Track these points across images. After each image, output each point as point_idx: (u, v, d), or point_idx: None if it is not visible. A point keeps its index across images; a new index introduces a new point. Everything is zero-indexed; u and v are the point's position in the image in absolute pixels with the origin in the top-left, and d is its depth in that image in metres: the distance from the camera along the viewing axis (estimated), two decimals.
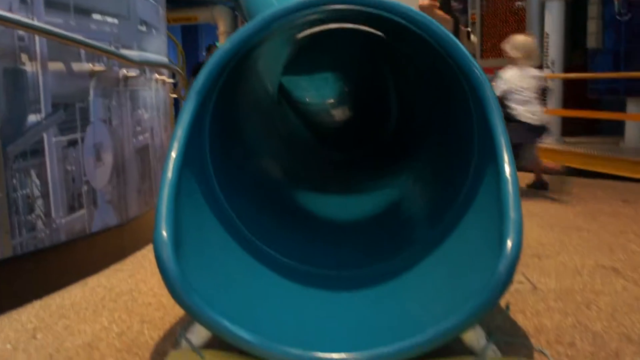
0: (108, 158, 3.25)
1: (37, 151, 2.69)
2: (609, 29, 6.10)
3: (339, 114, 5.24)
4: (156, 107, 4.16)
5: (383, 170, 3.57)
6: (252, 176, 2.81)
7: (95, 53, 3.07)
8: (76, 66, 2.97)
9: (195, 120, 2.08)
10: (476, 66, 2.02)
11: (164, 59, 4.42)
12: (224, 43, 2.14)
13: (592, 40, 6.19)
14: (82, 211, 3.00)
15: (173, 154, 1.96)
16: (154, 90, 4.11)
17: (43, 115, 2.71)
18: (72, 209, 2.92)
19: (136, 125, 3.68)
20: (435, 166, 2.82)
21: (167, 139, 4.54)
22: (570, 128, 6.93)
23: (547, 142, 6.58)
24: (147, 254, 3.50)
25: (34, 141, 2.67)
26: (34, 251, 2.69)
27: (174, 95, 5.82)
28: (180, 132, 2.03)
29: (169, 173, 1.91)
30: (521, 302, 2.50)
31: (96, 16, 3.16)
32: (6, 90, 2.53)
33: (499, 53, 7.67)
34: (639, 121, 5.86)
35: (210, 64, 2.11)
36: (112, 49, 3.22)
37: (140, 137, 3.76)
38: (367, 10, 2.19)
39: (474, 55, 8.28)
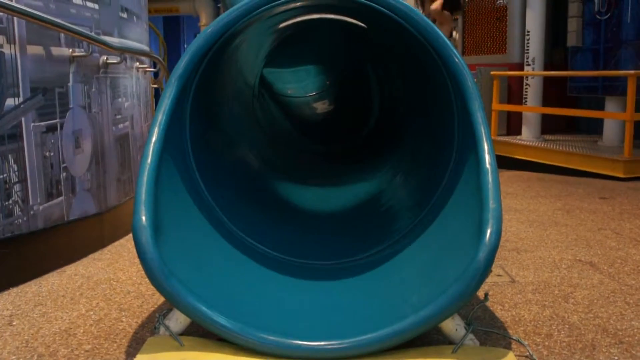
0: (87, 145, 3.21)
1: (14, 136, 2.65)
2: (588, 27, 6.16)
3: (321, 106, 5.24)
4: (137, 96, 4.12)
5: (364, 163, 3.57)
6: (231, 165, 2.80)
7: (75, 38, 3.03)
8: (56, 50, 2.92)
9: (175, 106, 2.06)
10: (456, 54, 2.02)
11: (145, 47, 4.37)
12: (206, 28, 2.12)
13: (572, 39, 6.25)
14: (60, 198, 2.96)
15: (153, 139, 1.94)
16: (135, 79, 4.07)
17: (21, 99, 2.67)
18: (50, 196, 2.88)
19: (116, 113, 3.64)
20: (416, 157, 2.82)
21: (147, 128, 4.50)
22: (549, 126, 7.00)
23: (527, 139, 6.65)
24: (126, 243, 3.47)
25: (11, 125, 2.63)
26: (10, 237, 2.65)
27: (155, 85, 5.76)
28: (161, 117, 2.01)
29: (149, 158, 1.89)
30: (500, 295, 2.52)
31: (76, 0, 3.11)
32: None
33: (481, 50, 7.72)
34: (617, 120, 5.92)
35: (192, 49, 2.09)
36: (92, 34, 3.18)
37: (120, 126, 3.72)
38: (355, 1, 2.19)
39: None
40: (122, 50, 3.54)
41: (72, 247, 3.08)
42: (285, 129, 4.61)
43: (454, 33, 8.33)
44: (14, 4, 2.56)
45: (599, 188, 5.10)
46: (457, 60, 2.00)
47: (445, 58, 2.04)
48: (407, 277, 2.11)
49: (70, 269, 2.92)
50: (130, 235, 3.52)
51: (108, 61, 3.43)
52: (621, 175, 5.32)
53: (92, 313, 2.32)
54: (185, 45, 13.05)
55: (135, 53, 3.95)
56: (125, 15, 3.84)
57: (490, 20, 7.70)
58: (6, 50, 2.58)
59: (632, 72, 5.27)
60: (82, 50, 3.12)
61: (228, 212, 2.32)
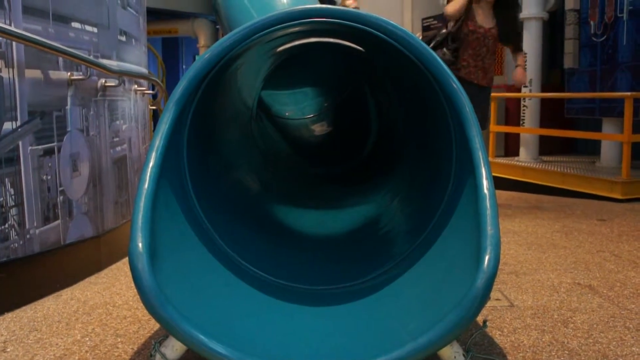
0: (85, 168, 3.21)
1: (11, 159, 2.65)
2: (585, 49, 6.20)
3: (319, 129, 5.25)
4: (135, 118, 4.13)
5: (362, 186, 3.57)
6: (229, 188, 2.79)
7: (73, 61, 3.03)
8: (54, 74, 2.93)
9: (173, 131, 2.06)
10: (452, 78, 2.03)
11: (143, 69, 4.39)
12: (204, 53, 2.13)
13: (569, 61, 6.29)
14: (57, 222, 2.95)
15: (150, 164, 1.93)
16: (133, 101, 4.08)
17: (19, 123, 2.67)
18: (46, 220, 2.87)
19: (114, 136, 3.64)
20: (414, 181, 2.82)
21: (145, 150, 4.50)
22: (547, 147, 7.02)
23: (525, 160, 6.66)
24: (123, 266, 3.45)
25: (8, 149, 2.63)
26: (6, 262, 2.64)
27: (154, 107, 5.77)
28: (158, 142, 2.01)
29: (146, 183, 1.88)
30: (499, 319, 2.50)
31: (75, 24, 3.13)
32: None
33: None
34: (614, 141, 5.94)
35: (190, 74, 2.10)
36: (91, 57, 3.19)
37: (118, 148, 3.72)
38: (346, 24, 2.20)
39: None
40: (120, 74, 3.55)
41: (68, 271, 3.06)
42: (283, 151, 4.62)
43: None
44: (12, 28, 2.57)
45: (597, 209, 5.10)
46: (454, 85, 2.00)
47: (442, 83, 2.04)
48: (405, 303, 2.10)
49: (66, 293, 2.90)
50: (127, 258, 3.51)
51: (106, 84, 3.44)
52: (619, 197, 5.32)
53: (87, 339, 2.30)
54: (184, 66, 13.11)
55: (134, 76, 3.96)
56: (123, 39, 3.85)
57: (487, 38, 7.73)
58: (4, 74, 2.58)
59: (628, 94, 5.30)
60: (81, 73, 3.13)
61: (225, 236, 2.31)
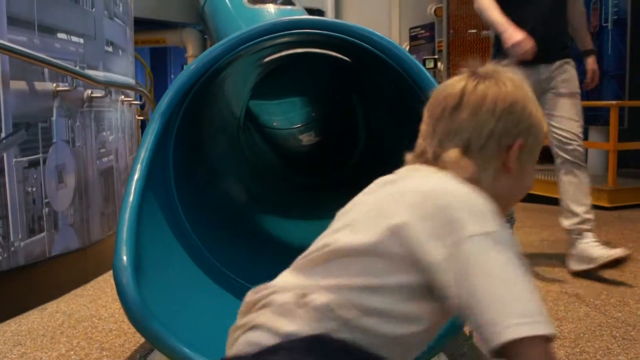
0: (70, 180, 3.19)
1: None
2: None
3: (307, 139, 5.25)
4: (121, 129, 4.11)
5: (350, 196, 3.56)
6: (216, 200, 2.78)
7: (59, 72, 3.02)
8: (39, 85, 2.91)
9: (159, 143, 2.05)
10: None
11: (130, 80, 4.38)
12: (190, 64, 2.12)
13: None
14: (42, 234, 2.93)
15: (135, 177, 1.92)
16: (120, 112, 4.07)
17: (3, 134, 2.65)
18: (32, 232, 2.84)
19: (100, 147, 3.62)
20: None
21: (132, 161, 4.48)
22: None
23: None
24: (109, 278, 3.42)
25: None
26: None
27: (141, 118, 5.76)
28: (144, 154, 2.00)
29: (131, 196, 1.87)
30: None
31: (61, 35, 3.12)
32: None
33: None
34: (600, 149, 5.98)
35: (176, 85, 2.10)
36: (77, 68, 3.18)
37: (104, 159, 3.70)
38: (332, 35, 2.21)
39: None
40: (106, 84, 3.54)
41: (53, 284, 3.03)
42: (271, 161, 4.61)
43: (439, 64, 8.42)
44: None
45: None
46: None
47: (426, 91, 2.05)
48: None
49: (51, 306, 2.87)
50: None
51: (92, 95, 3.43)
52: (606, 205, 5.35)
53: (72, 353, 2.28)
54: (172, 76, 13.06)
55: (120, 87, 3.95)
56: (110, 49, 3.84)
57: (475, 52, 7.79)
58: None
59: (614, 102, 5.34)
60: (67, 84, 3.11)
61: (212, 249, 2.30)
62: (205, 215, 2.47)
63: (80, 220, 3.28)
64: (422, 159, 1.15)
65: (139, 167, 1.96)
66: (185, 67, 11.69)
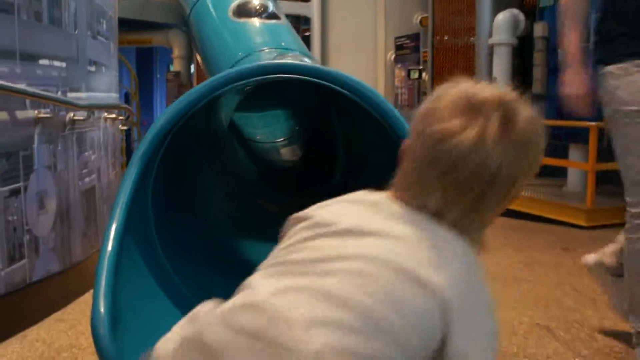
0: (52, 205, 3.20)
1: None
2: (553, 76, 6.32)
3: (289, 153, 5.28)
4: (104, 147, 4.13)
5: None
6: (196, 234, 2.81)
7: (41, 101, 3.03)
8: (20, 114, 2.92)
9: (138, 184, 2.08)
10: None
11: (113, 97, 4.39)
12: (166, 111, 2.15)
13: (537, 87, 6.41)
14: (23, 261, 2.94)
15: (114, 224, 1.95)
16: (102, 129, 4.08)
17: None
18: (12, 260, 2.86)
19: (82, 167, 3.64)
20: None
21: (115, 176, 4.50)
22: None
23: None
24: (89, 299, 3.44)
25: None
26: None
27: (125, 127, 5.76)
28: (123, 199, 2.02)
29: (109, 244, 1.90)
30: None
31: (43, 61, 3.13)
32: None
33: None
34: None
35: (156, 127, 2.13)
36: (59, 95, 3.20)
37: (87, 179, 3.72)
38: (307, 80, 2.26)
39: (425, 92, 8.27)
40: (89, 108, 3.55)
41: (34, 308, 3.05)
42: (254, 179, 4.64)
43: (424, 74, 8.48)
44: None
45: (560, 237, 5.21)
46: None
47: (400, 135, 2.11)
48: None
49: (32, 333, 2.90)
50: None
51: (75, 118, 3.44)
52: (583, 224, 5.44)
53: None
54: (158, 76, 13.06)
55: (104, 107, 3.96)
56: (93, 69, 3.86)
57: (459, 59, 7.85)
58: None
59: (593, 123, 5.42)
60: (48, 110, 3.12)
61: (191, 284, 2.33)
62: (184, 249, 2.50)
63: (61, 244, 3.30)
64: (415, 205, 1.08)
65: (118, 212, 1.99)
66: (172, 69, 11.70)
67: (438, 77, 8.23)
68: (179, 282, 2.26)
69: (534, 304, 3.44)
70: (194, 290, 2.30)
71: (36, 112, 3.03)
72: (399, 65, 8.68)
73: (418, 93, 8.44)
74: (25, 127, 2.96)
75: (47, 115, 3.09)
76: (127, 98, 10.46)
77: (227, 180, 3.88)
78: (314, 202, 3.90)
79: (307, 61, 3.55)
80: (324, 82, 2.27)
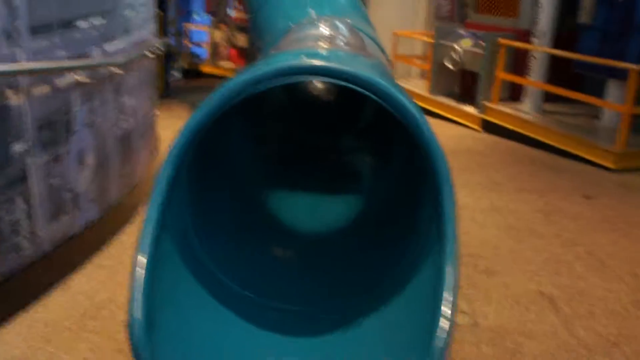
0: (90, 159, 3.41)
1: (21, 176, 2.83)
2: (601, 6, 6.07)
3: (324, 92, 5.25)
4: (140, 86, 4.25)
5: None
6: (234, 216, 2.91)
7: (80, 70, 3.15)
8: (60, 82, 3.06)
9: (172, 181, 2.23)
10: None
11: (149, 31, 4.45)
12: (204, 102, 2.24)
13: (584, 16, 6.18)
14: (65, 217, 3.19)
15: (149, 228, 2.12)
16: (138, 71, 4.19)
17: (30, 144, 2.83)
18: (54, 219, 3.09)
19: (119, 114, 3.80)
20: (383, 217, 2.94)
21: (150, 107, 4.66)
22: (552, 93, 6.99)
23: (527, 110, 6.72)
24: (125, 240, 3.74)
25: (19, 167, 2.81)
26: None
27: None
28: (156, 199, 2.17)
29: (145, 251, 2.08)
30: (458, 343, 2.80)
31: (81, 23, 3.21)
32: None
33: (493, 10, 7.61)
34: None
35: (188, 126, 2.24)
36: (98, 59, 3.30)
37: (123, 125, 3.89)
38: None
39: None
40: (127, 63, 3.65)
41: (75, 257, 3.34)
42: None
43: None
44: (19, 66, 2.70)
45: (586, 180, 5.26)
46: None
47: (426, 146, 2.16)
48: (368, 341, 2.36)
49: (74, 284, 3.20)
50: (130, 229, 3.80)
51: (112, 71, 3.56)
52: (611, 166, 5.46)
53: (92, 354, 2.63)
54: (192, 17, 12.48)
55: (140, 55, 4.04)
56: (128, 12, 3.91)
57: None
58: (14, 101, 2.72)
59: (634, 66, 5.30)
60: (87, 73, 3.24)
61: (223, 267, 2.50)
62: (223, 238, 2.62)
63: (99, 192, 3.53)
64: None
65: (151, 214, 2.15)
66: (195, 14, 11.31)
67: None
68: (215, 270, 2.43)
69: (544, 266, 3.61)
70: (221, 268, 2.46)
71: (75, 76, 3.15)
72: None
73: (460, 4, 8.17)
74: (66, 93, 3.11)
75: (86, 80, 3.22)
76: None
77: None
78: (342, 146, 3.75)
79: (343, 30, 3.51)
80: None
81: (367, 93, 2.25)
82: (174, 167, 2.22)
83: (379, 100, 2.24)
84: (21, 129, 2.78)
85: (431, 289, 2.15)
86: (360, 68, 2.36)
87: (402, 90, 2.27)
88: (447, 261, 2.11)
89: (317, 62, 2.50)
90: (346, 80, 2.31)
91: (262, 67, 2.42)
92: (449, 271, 2.09)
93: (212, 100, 2.28)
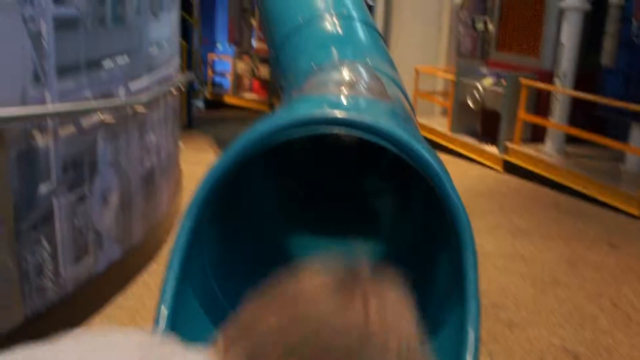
0: (114, 198, 3.41)
1: (47, 217, 2.82)
2: (624, 49, 6.04)
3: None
4: (164, 122, 4.27)
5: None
6: (254, 257, 2.89)
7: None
8: (85, 122, 3.06)
9: (193, 236, 2.22)
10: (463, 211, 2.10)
11: (173, 66, 4.48)
12: (215, 165, 2.23)
13: (606, 58, 6.14)
14: (88, 258, 3.18)
15: (169, 283, 2.11)
16: (162, 107, 4.21)
17: (55, 184, 2.83)
18: (78, 260, 3.09)
19: (143, 152, 3.80)
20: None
21: (173, 143, 4.66)
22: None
23: (549, 152, 6.65)
24: (148, 279, 3.71)
25: (44, 208, 2.80)
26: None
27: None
28: (177, 253, 2.17)
29: (166, 305, 2.07)
30: None
31: (107, 63, 3.22)
32: (19, 171, 2.62)
33: (513, 47, 7.57)
34: None
35: (210, 177, 2.24)
36: (122, 99, 3.32)
37: (147, 163, 3.89)
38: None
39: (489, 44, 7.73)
40: (150, 102, 3.67)
41: (96, 298, 3.32)
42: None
43: (489, 24, 8.11)
44: (45, 109, 2.73)
45: (610, 227, 5.16)
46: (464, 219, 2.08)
47: (448, 206, 2.12)
48: None
49: (94, 324, 3.17)
50: (153, 268, 3.78)
51: (137, 110, 3.58)
52: (635, 213, 5.37)
53: None
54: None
55: (165, 91, 4.06)
56: (154, 49, 3.94)
57: (526, 15, 7.49)
58: (40, 142, 2.72)
59: None
60: (111, 113, 3.26)
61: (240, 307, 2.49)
62: (241, 278, 2.62)
63: (122, 231, 3.52)
64: None
65: (173, 264, 2.14)
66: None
67: (503, 27, 7.88)
68: (228, 307, 2.40)
69: (568, 319, 3.53)
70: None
71: (100, 117, 3.16)
72: (465, 12, 8.38)
73: (482, 43, 8.16)
74: (90, 133, 3.12)
75: (110, 119, 3.23)
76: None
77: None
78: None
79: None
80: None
81: (389, 147, 2.25)
82: (195, 219, 2.23)
83: (401, 154, 2.24)
84: (47, 170, 2.78)
85: (452, 348, 2.12)
86: (382, 119, 2.35)
87: (423, 142, 2.25)
88: (469, 322, 2.08)
89: (339, 114, 2.48)
90: (368, 132, 2.31)
91: (284, 115, 2.42)
92: (470, 332, 2.07)
93: (232, 151, 2.29)
